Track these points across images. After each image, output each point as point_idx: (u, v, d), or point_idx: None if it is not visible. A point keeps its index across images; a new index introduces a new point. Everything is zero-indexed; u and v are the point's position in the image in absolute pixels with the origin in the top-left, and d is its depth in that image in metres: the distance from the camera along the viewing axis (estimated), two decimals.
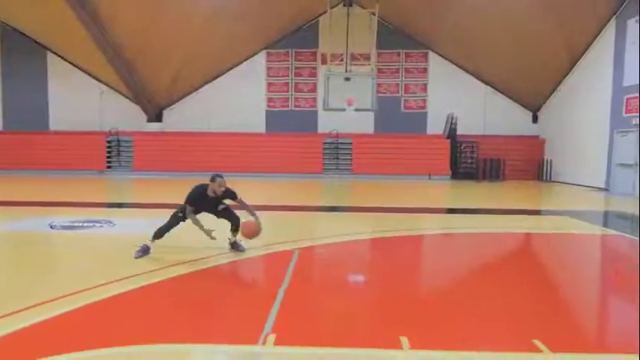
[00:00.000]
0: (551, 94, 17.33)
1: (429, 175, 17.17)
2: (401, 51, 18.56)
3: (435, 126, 18.48)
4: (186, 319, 3.28)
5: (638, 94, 12.49)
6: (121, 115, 18.79)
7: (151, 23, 15.02)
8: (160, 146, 18.13)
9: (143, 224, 6.39)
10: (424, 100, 18.78)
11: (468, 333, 3.04)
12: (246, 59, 18.71)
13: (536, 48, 15.31)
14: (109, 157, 18.37)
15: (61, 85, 18.96)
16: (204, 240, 4.93)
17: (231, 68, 18.80)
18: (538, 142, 18.10)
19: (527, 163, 18.04)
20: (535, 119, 18.57)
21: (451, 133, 17.53)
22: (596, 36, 14.36)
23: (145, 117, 18.99)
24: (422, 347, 2.77)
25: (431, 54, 18.54)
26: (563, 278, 4.80)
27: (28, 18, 16.47)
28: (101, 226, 6.77)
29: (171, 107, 19.31)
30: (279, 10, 16.45)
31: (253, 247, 5.26)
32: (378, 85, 18.60)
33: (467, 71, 18.40)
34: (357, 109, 13.16)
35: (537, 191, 14.08)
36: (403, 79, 18.73)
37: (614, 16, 13.53)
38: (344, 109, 13.23)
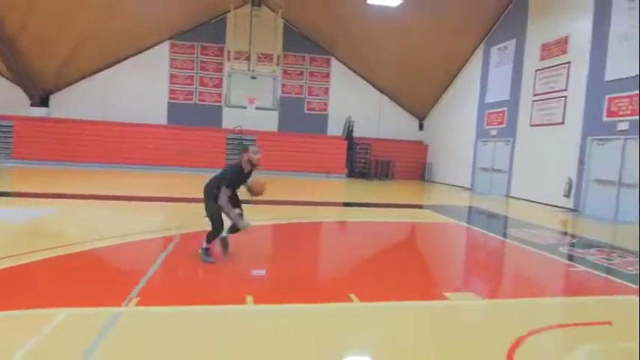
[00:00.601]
0: (433, 105, 19.71)
1: (327, 173, 18.39)
2: (306, 55, 19.54)
3: (335, 128, 19.81)
4: (60, 288, 3.60)
5: (497, 110, 14.98)
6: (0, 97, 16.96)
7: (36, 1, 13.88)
8: (45, 133, 16.71)
9: (23, 213, 6.25)
10: (326, 103, 20.01)
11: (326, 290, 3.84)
12: (148, 48, 18.13)
13: (420, 65, 17.36)
14: None
15: None
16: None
17: (131, 55, 18.06)
18: (422, 147, 20.44)
19: (413, 165, 20.26)
20: (421, 127, 20.91)
21: (348, 135, 18.98)
22: (468, 59, 16.81)
23: (28, 101, 17.35)
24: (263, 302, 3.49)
25: (333, 60, 19.83)
26: (402, 252, 5.95)
27: None
28: None
29: (60, 92, 17.90)
30: (183, 2, 16.27)
31: (149, 231, 5.57)
32: (284, 85, 19.47)
33: (365, 79, 20.04)
34: (257, 108, 13.73)
35: (414, 189, 16.01)
36: (307, 81, 19.74)
37: (482, 43, 15.97)
38: (245, 107, 13.69)
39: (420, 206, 10.40)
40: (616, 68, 10.26)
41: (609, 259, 5.81)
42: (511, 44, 14.27)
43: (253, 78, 15.36)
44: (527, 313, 3.60)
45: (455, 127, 17.84)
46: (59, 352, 2.51)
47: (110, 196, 9.45)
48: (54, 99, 18.01)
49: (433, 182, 19.19)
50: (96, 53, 16.92)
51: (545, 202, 12.26)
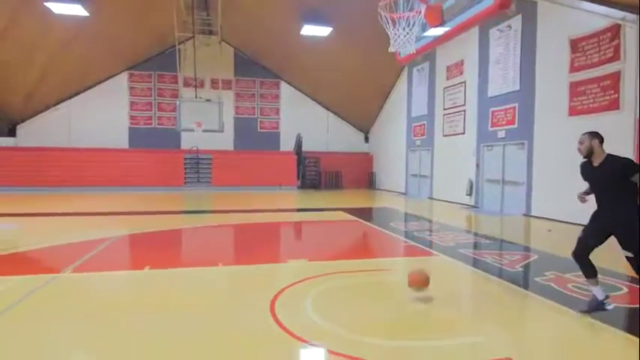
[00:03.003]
0: (375, 120, 21.79)
1: (280, 185, 20.14)
2: (256, 79, 21.43)
3: (287, 144, 21.64)
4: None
5: (420, 123, 17.04)
6: None
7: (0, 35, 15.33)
8: (11, 161, 17.97)
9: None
10: (277, 122, 21.86)
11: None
12: (107, 78, 19.72)
13: (358, 85, 19.41)
14: None
15: None
16: None
17: (92, 86, 19.60)
18: (368, 158, 22.44)
19: (361, 175, 22.20)
20: (367, 139, 22.93)
21: (298, 150, 20.82)
22: (396, 79, 18.96)
23: None
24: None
25: (282, 83, 21.75)
26: (288, 238, 7.72)
27: None
28: None
29: (26, 122, 19.26)
30: (137, 37, 17.94)
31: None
32: (237, 107, 21.29)
33: (313, 99, 22.01)
34: (204, 130, 15.42)
35: (351, 196, 17.85)
36: (259, 102, 21.59)
37: (406, 65, 18.13)
38: (193, 130, 15.39)
39: (339, 209, 12.22)
40: (494, 86, 12.40)
41: (440, 237, 7.70)
42: (426, 66, 16.43)
43: (208, 101, 17.06)
44: (330, 268, 5.36)
45: (391, 138, 19.89)
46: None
47: (64, 213, 10.96)
48: (20, 129, 19.33)
49: (376, 189, 21.13)
50: (57, 85, 18.39)
51: (455, 202, 14.26)
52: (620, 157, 3.68)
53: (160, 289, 4.67)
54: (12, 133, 19.10)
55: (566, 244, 6.90)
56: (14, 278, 4.83)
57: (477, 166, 13.25)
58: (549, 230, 8.81)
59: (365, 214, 11.56)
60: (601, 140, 3.76)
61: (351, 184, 21.92)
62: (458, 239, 7.60)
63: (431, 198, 16.06)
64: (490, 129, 12.60)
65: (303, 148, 21.14)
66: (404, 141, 18.46)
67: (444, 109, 15.18)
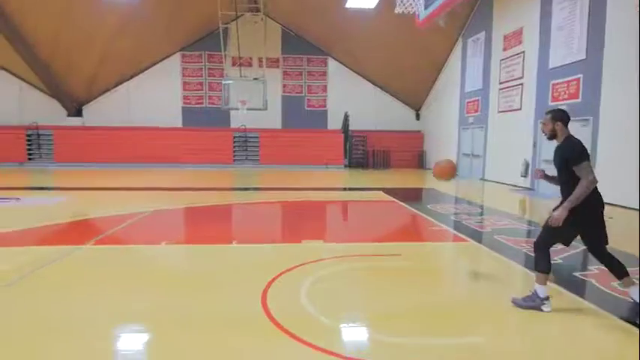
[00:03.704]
0: (427, 96, 20.71)
1: (326, 164, 19.95)
2: (303, 56, 21.13)
3: (334, 122, 21.29)
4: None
5: (473, 99, 15.91)
6: (41, 110, 19.82)
7: (62, 24, 16.35)
8: (80, 139, 19.44)
9: (48, 200, 8.39)
10: (324, 100, 21.53)
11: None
12: (162, 60, 20.44)
13: (407, 60, 18.45)
14: (29, 149, 19.45)
15: None
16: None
17: (148, 67, 20.44)
18: (419, 137, 21.49)
19: (410, 154, 21.37)
20: (418, 117, 21.94)
21: (345, 129, 20.42)
22: (450, 52, 17.75)
23: (64, 112, 20.18)
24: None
25: (330, 59, 21.28)
26: (316, 217, 7.53)
27: None
28: (9, 201, 8.68)
29: (91, 103, 20.62)
30: (189, 18, 18.35)
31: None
32: (284, 85, 21.22)
33: (361, 75, 21.34)
34: (248, 109, 15.52)
35: (397, 176, 17.21)
36: (306, 80, 21.34)
37: (460, 36, 16.89)
38: (238, 109, 15.55)
39: (379, 189, 11.79)
40: (556, 56, 11.11)
41: (476, 222, 7.09)
42: (482, 36, 15.16)
43: (256, 79, 17.12)
44: (343, 251, 5.10)
45: (443, 115, 18.83)
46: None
47: (117, 187, 11.61)
48: (86, 109, 20.75)
49: (427, 169, 20.25)
50: (116, 68, 19.41)
51: (509, 183, 13.24)
52: (572, 142, 3.33)
53: (165, 264, 4.72)
54: (79, 113, 20.57)
55: (626, 235, 6.07)
56: (42, 249, 5.12)
57: (534, 145, 12.11)
58: (610, 218, 7.82)
59: (405, 194, 11.05)
60: (566, 121, 3.41)
61: (400, 164, 21.19)
62: (498, 224, 6.97)
63: (483, 179, 15.07)
64: (550, 104, 11.38)
65: (351, 127, 20.69)
66: (456, 118, 17.38)
67: (500, 83, 13.98)
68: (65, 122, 20.03)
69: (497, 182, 13.93)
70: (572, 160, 3.26)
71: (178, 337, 2.91)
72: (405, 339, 2.91)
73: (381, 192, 11.18)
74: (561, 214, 3.24)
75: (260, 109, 15.68)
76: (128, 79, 20.47)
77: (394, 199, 9.88)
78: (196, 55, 20.63)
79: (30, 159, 19.41)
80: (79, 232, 6.36)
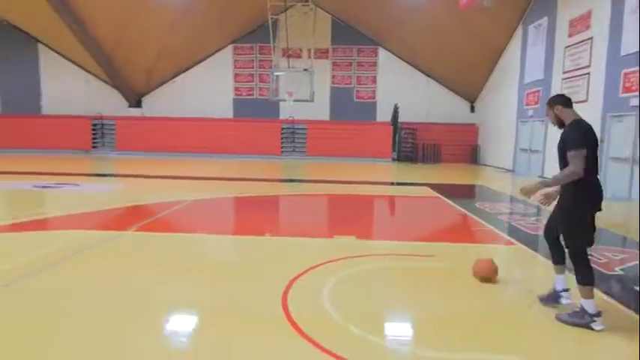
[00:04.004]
0: (482, 87, 19.63)
1: (374, 157, 19.58)
2: (353, 46, 20.78)
3: (383, 114, 20.81)
4: None
5: (534, 90, 14.83)
6: (105, 100, 21.12)
7: (124, 22, 17.27)
8: (139, 129, 20.53)
9: (102, 186, 8.89)
10: (374, 91, 21.09)
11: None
12: (215, 52, 20.98)
13: (463, 48, 17.54)
14: (94, 138, 20.85)
15: (50, 73, 21.25)
16: None
17: (202, 60, 21.08)
18: (472, 130, 20.46)
19: (462, 148, 20.42)
20: (473, 109, 20.88)
21: (394, 121, 19.89)
22: (509, 40, 16.63)
23: (126, 103, 21.36)
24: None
25: (380, 49, 20.76)
26: (379, 215, 7.34)
27: (18, 13, 18.63)
28: (68, 186, 9.29)
29: (149, 94, 21.65)
30: (241, 11, 18.63)
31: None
32: (333, 76, 21.04)
33: (413, 65, 20.64)
34: (295, 100, 15.52)
35: (446, 171, 16.49)
36: (355, 71, 21.00)
37: (521, 23, 15.76)
38: (285, 100, 15.60)
39: (426, 184, 11.32)
40: (630, 42, 10.00)
41: (529, 223, 6.56)
42: (544, 21, 14.03)
43: (305, 70, 17.07)
44: (375, 249, 4.89)
45: (500, 108, 17.76)
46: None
47: (168, 175, 12.10)
48: (145, 100, 21.84)
49: (480, 165, 19.26)
50: (172, 61, 20.20)
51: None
52: (574, 127, 3.13)
53: (193, 254, 4.78)
54: (139, 104, 21.69)
55: None
56: (87, 233, 5.39)
57: (601, 141, 11.03)
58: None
59: (453, 191, 10.53)
60: (565, 102, 3.26)
61: (452, 158, 20.32)
62: None
63: (542, 176, 14.02)
64: (620, 95, 10.30)
65: (400, 119, 20.12)
66: (514, 111, 16.30)
67: (564, 73, 12.87)
68: (126, 113, 21.21)
69: None
70: (568, 146, 3.07)
71: (188, 326, 2.89)
72: (429, 352, 2.69)
73: (427, 188, 10.74)
74: (532, 188, 3.13)
75: (307, 101, 15.62)
76: (183, 72, 21.23)
77: (440, 196, 9.43)
78: (247, 47, 20.96)
79: (94, 147, 20.80)
80: (123, 218, 6.65)
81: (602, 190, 3.16)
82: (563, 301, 3.28)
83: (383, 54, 20.82)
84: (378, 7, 17.76)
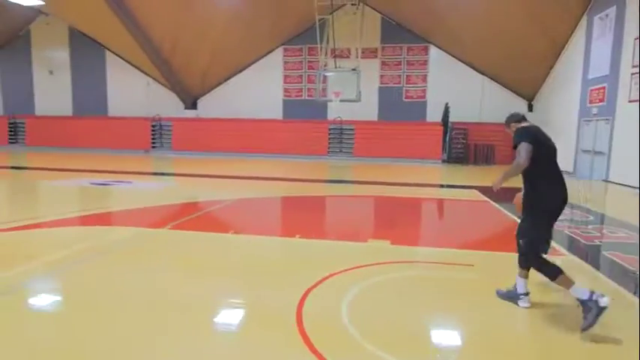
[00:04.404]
0: (541, 84, 18.45)
1: (422, 159, 19.06)
2: (403, 45, 20.35)
3: (434, 114, 20.19)
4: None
5: (598, 86, 13.71)
6: (164, 103, 22.32)
7: (179, 29, 18.19)
8: (193, 130, 21.49)
9: (153, 184, 9.39)
10: (424, 90, 20.52)
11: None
12: (265, 54, 21.44)
13: (522, 43, 16.58)
14: (153, 138, 22.11)
15: (116, 78, 22.84)
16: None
17: (253, 62, 21.63)
18: None
19: None
20: (530, 107, 19.69)
21: (444, 121, 19.24)
22: (572, 32, 15.48)
23: (182, 105, 22.43)
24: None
25: (431, 47, 20.16)
26: (418, 219, 7.16)
27: (89, 23, 20.17)
28: (122, 184, 9.92)
29: (204, 96, 22.58)
30: (291, 13, 18.90)
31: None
32: (382, 76, 20.75)
33: (465, 63, 19.84)
34: (341, 100, 15.46)
35: (500, 173, 15.64)
36: (405, 70, 20.55)
37: (585, 14, 14.62)
38: (331, 100, 15.59)
39: (475, 187, 10.83)
40: None
41: (583, 232, 6.04)
42: (612, 12, 12.91)
43: (353, 70, 16.93)
44: (409, 255, 4.73)
45: (560, 106, 16.62)
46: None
47: (221, 175, 12.54)
48: (200, 102, 22.80)
49: None
50: (225, 64, 20.91)
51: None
52: (520, 128, 3.44)
53: (221, 253, 4.89)
54: (194, 106, 22.69)
55: None
56: (128, 229, 5.70)
57: None
58: None
59: (503, 195, 9.85)
60: (517, 119, 3.59)
61: (507, 160, 19.23)
62: (612, 237, 5.89)
63: (606, 180, 12.95)
64: None
65: (451, 119, 19.42)
66: (576, 109, 15.17)
67: (633, 67, 11.77)
68: (183, 114, 22.27)
69: (625, 185, 11.84)
70: (514, 144, 3.30)
71: (199, 329, 2.94)
72: None
73: (475, 191, 10.28)
74: (496, 182, 3.52)
75: (353, 101, 15.52)
76: (236, 74, 21.91)
77: (488, 200, 8.97)
78: (297, 48, 21.21)
79: (153, 147, 22.04)
80: (161, 215, 6.96)
81: (561, 200, 3.32)
82: (521, 303, 3.43)
83: (434, 52, 20.21)
84: (429, 4, 17.26)
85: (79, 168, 13.83)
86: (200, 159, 18.92)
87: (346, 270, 4.12)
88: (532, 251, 3.28)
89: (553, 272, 3.16)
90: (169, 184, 10.47)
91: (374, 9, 19.81)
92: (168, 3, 17.32)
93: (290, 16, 19.29)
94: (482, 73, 19.75)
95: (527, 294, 3.44)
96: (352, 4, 18.87)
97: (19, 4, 17.02)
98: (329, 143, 20.27)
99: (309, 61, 21.20)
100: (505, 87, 19.73)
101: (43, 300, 3.43)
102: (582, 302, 2.96)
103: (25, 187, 10.15)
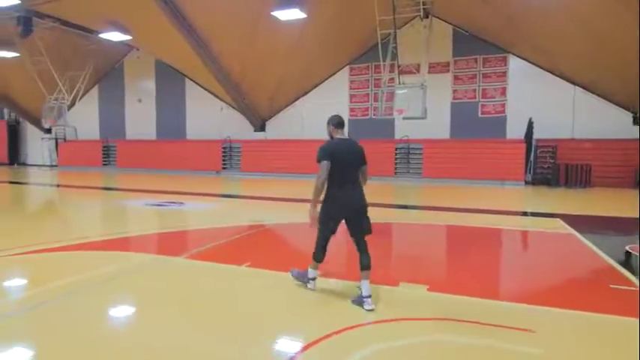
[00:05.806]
0: None
1: (502, 179, 17.11)
2: (478, 56, 18.77)
3: (516, 130, 18.15)
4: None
5: None
6: (235, 126, 23.06)
7: (247, 56, 18.71)
8: (260, 151, 21.81)
9: (202, 206, 9.29)
10: (503, 105, 18.61)
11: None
12: (332, 75, 21.19)
13: (622, 43, 14.23)
14: (224, 160, 22.85)
15: (194, 104, 24.20)
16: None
17: (319, 83, 21.50)
18: (636, 147, 16.37)
19: (622, 170, 16.49)
20: (636, 121, 16.80)
21: (527, 138, 17.16)
22: None
23: (252, 127, 22.97)
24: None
25: (510, 57, 18.32)
26: (473, 256, 5.98)
27: (172, 56, 21.68)
28: (173, 205, 9.95)
29: (272, 119, 22.92)
30: (355, 32, 18.49)
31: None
32: (455, 91, 19.28)
33: (552, 73, 17.66)
34: (404, 117, 14.43)
35: (598, 199, 13.29)
36: (480, 84, 18.88)
37: None
38: (394, 118, 14.62)
39: (560, 215, 9.08)
40: None
41: None
42: None
43: (405, 89, 15.77)
44: (445, 309, 3.67)
45: None
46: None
47: (275, 197, 12.21)
48: (269, 125, 23.16)
49: None
50: (292, 86, 21.03)
51: None
52: (324, 143, 3.90)
53: (226, 289, 4.23)
54: (262, 128, 23.10)
55: None
56: (138, 255, 5.35)
57: None
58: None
59: (595, 226, 8.21)
60: (337, 124, 4.03)
61: (607, 182, 16.54)
62: None
63: None
64: None
65: (536, 135, 17.28)
66: None
67: None
68: (252, 136, 22.77)
69: None
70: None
71: None
72: None
73: (559, 220, 8.57)
74: (310, 211, 3.87)
75: (418, 118, 14.42)
76: (302, 95, 21.95)
77: (573, 232, 7.34)
78: (363, 67, 20.66)
79: (224, 168, 22.74)
80: (185, 242, 6.58)
81: (350, 202, 3.96)
82: (366, 306, 3.53)
83: (514, 62, 18.32)
84: (508, 9, 15.69)
85: (148, 189, 14.47)
86: (265, 179, 18.99)
87: (358, 325, 3.24)
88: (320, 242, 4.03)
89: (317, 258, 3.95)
90: (217, 205, 10.30)
91: (444, 21, 18.63)
92: (236, 38, 17.94)
93: (355, 35, 18.88)
94: (574, 83, 17.39)
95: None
96: (418, 17, 17.92)
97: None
98: (395, 163, 19.17)
99: (375, 79, 20.46)
100: (603, 98, 17.11)
101: None
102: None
103: (81, 206, 10.64)
